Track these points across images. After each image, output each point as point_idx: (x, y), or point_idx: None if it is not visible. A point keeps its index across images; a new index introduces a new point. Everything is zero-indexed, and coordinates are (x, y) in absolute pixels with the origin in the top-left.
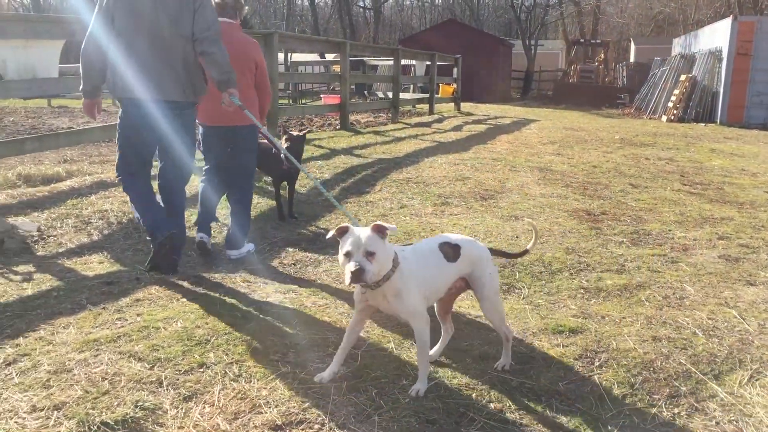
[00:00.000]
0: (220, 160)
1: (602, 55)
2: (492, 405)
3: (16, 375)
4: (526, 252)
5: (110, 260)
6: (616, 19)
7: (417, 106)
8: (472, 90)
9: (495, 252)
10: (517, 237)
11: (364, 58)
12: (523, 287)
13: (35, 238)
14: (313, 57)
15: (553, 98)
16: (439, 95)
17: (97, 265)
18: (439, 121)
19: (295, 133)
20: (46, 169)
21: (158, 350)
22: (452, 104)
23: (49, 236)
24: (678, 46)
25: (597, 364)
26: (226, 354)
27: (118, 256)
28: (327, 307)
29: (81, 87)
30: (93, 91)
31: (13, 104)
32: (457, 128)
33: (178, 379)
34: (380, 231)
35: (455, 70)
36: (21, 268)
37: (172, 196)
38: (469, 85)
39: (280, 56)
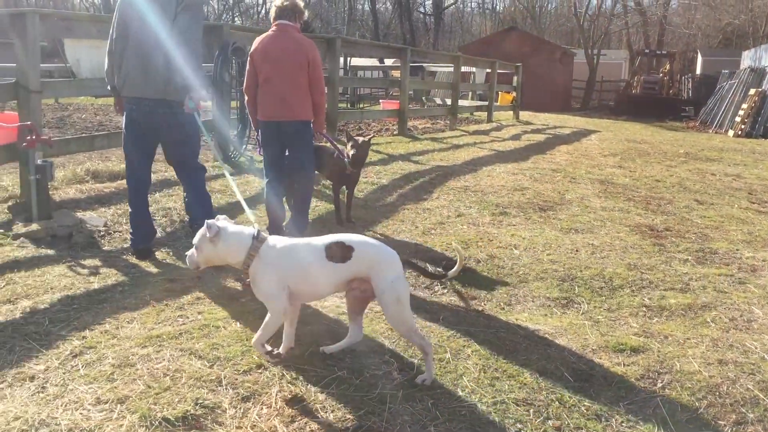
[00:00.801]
0: (276, 156)
1: (667, 66)
2: (550, 422)
3: (82, 367)
4: (444, 276)
5: (172, 257)
6: (682, 30)
7: (475, 113)
8: (531, 98)
9: (411, 265)
10: (576, 251)
11: (423, 64)
12: (583, 302)
13: (101, 233)
14: (372, 62)
15: (615, 109)
16: (498, 103)
17: (160, 262)
18: (498, 129)
19: (360, 139)
20: (113, 166)
21: (218, 349)
22: (511, 112)
23: (114, 231)
24: (747, 59)
25: (660, 385)
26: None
27: (179, 254)
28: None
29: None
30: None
31: (83, 101)
32: (516, 137)
33: (236, 379)
34: (208, 229)
35: (515, 78)
36: (88, 262)
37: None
38: (528, 93)
39: (340, 60)
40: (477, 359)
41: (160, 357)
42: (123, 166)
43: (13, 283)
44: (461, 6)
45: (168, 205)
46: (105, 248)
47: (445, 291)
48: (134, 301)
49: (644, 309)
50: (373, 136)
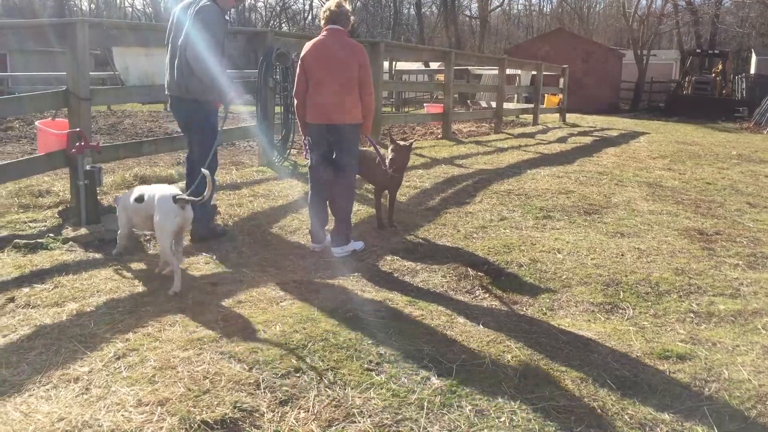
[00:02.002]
0: (323, 160)
1: (720, 66)
2: (592, 430)
3: (125, 369)
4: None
5: (215, 261)
6: (735, 29)
7: (521, 116)
8: (578, 100)
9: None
10: (622, 255)
11: (468, 67)
12: (628, 307)
13: (147, 237)
14: (417, 66)
15: (665, 110)
16: (544, 105)
17: (203, 266)
18: (544, 132)
19: (401, 143)
20: (161, 171)
21: (257, 352)
22: (557, 115)
23: None
24: None
25: (707, 393)
26: (322, 360)
27: (222, 258)
28: (423, 318)
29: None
30: None
31: (134, 108)
32: (562, 140)
33: (275, 383)
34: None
35: (561, 80)
36: (134, 266)
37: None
38: (575, 95)
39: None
40: (517, 365)
41: (200, 360)
42: (170, 171)
43: (61, 286)
44: (507, 8)
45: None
46: (150, 252)
47: (486, 295)
48: (177, 304)
49: (692, 315)
50: (414, 141)
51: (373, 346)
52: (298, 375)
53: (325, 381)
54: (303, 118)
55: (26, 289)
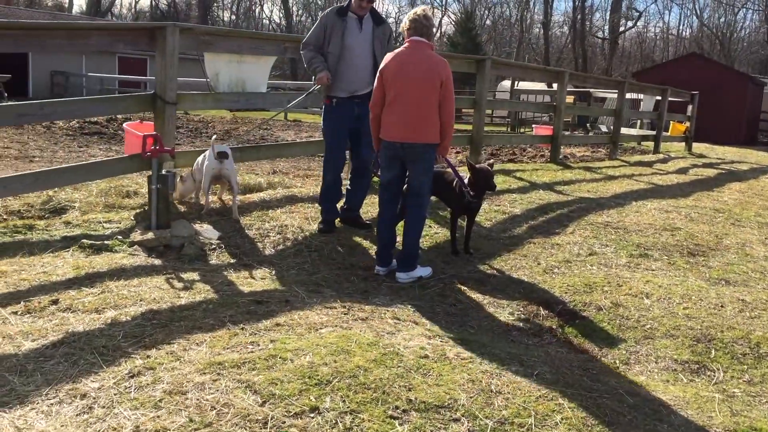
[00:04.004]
0: (394, 179)
1: None
2: None
3: (134, 390)
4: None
5: (272, 277)
6: None
7: (643, 143)
8: (710, 130)
9: None
10: (722, 306)
11: (591, 90)
12: (718, 369)
13: (213, 246)
14: (541, 86)
15: None
16: (669, 133)
17: (257, 281)
18: (664, 161)
19: (479, 165)
20: (250, 179)
21: (276, 384)
22: (683, 144)
23: (227, 245)
24: None
25: None
26: (344, 401)
27: (281, 274)
28: (470, 362)
29: None
30: None
31: (253, 116)
32: (682, 171)
33: (284, 422)
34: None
35: (690, 107)
36: (187, 276)
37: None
38: (707, 124)
39: (506, 84)
40: (565, 429)
41: (214, 387)
42: (259, 180)
43: (108, 291)
44: (643, 31)
45: (285, 222)
46: (212, 262)
47: (554, 340)
48: (212, 321)
49: None
50: (494, 162)
51: (405, 390)
52: (312, 416)
53: (340, 426)
54: (376, 133)
55: (73, 292)
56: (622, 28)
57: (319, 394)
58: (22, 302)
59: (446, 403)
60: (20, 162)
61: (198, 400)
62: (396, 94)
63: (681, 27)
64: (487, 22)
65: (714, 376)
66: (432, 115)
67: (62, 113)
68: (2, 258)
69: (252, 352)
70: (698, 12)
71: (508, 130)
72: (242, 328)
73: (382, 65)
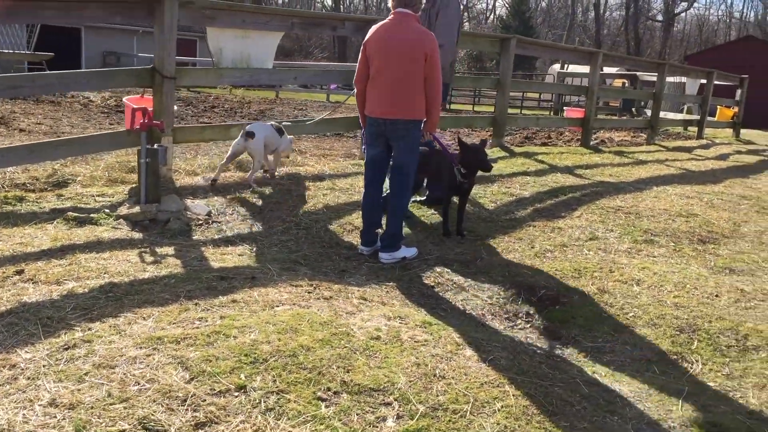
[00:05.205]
0: (379, 158)
1: None
2: None
3: (64, 362)
4: None
5: (251, 253)
6: None
7: (689, 128)
8: (764, 116)
9: None
10: (716, 296)
11: (637, 73)
12: (696, 361)
13: (200, 222)
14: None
15: None
16: (716, 119)
17: (233, 257)
18: (705, 147)
19: (471, 143)
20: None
21: (210, 361)
22: (730, 130)
23: (214, 221)
24: None
25: None
26: (275, 380)
27: (261, 251)
28: (423, 345)
29: None
30: None
31: (293, 96)
32: (722, 157)
33: (204, 400)
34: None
35: (739, 91)
36: (162, 250)
37: None
38: (762, 110)
39: (556, 67)
40: (502, 418)
41: (145, 362)
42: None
43: (76, 263)
44: (705, 15)
45: (281, 199)
46: (195, 237)
47: (527, 326)
48: (167, 296)
49: None
50: (485, 140)
51: (342, 372)
52: (236, 395)
53: (262, 406)
54: (362, 109)
55: (41, 263)
56: (677, 11)
57: (251, 373)
58: None
59: (382, 386)
60: (47, 138)
61: (124, 374)
62: (378, 67)
63: (745, 10)
64: (543, 4)
65: (690, 368)
66: (416, 91)
67: (56, 86)
68: None
69: (197, 327)
70: None
71: (550, 113)
72: (196, 304)
73: (366, 37)
